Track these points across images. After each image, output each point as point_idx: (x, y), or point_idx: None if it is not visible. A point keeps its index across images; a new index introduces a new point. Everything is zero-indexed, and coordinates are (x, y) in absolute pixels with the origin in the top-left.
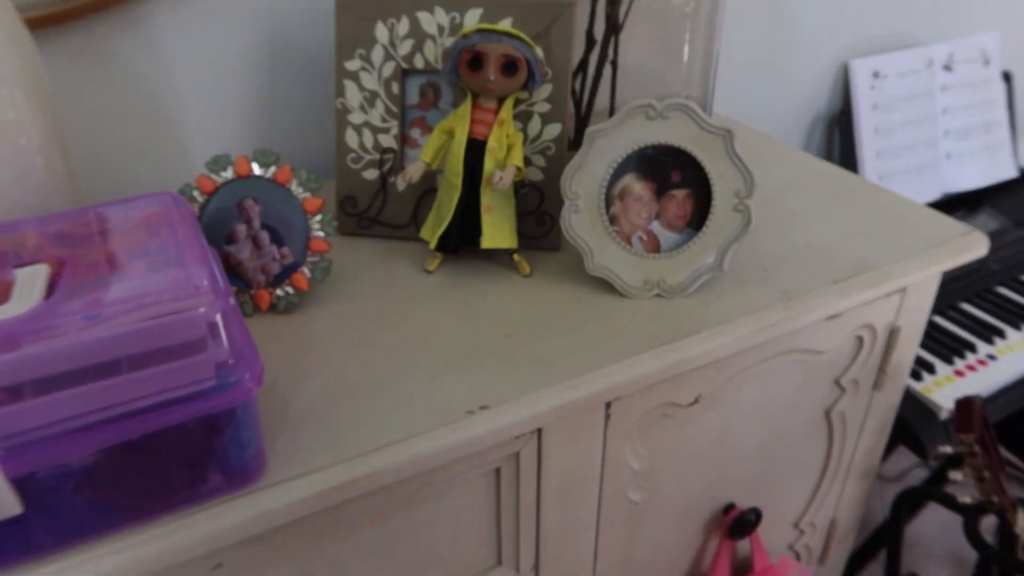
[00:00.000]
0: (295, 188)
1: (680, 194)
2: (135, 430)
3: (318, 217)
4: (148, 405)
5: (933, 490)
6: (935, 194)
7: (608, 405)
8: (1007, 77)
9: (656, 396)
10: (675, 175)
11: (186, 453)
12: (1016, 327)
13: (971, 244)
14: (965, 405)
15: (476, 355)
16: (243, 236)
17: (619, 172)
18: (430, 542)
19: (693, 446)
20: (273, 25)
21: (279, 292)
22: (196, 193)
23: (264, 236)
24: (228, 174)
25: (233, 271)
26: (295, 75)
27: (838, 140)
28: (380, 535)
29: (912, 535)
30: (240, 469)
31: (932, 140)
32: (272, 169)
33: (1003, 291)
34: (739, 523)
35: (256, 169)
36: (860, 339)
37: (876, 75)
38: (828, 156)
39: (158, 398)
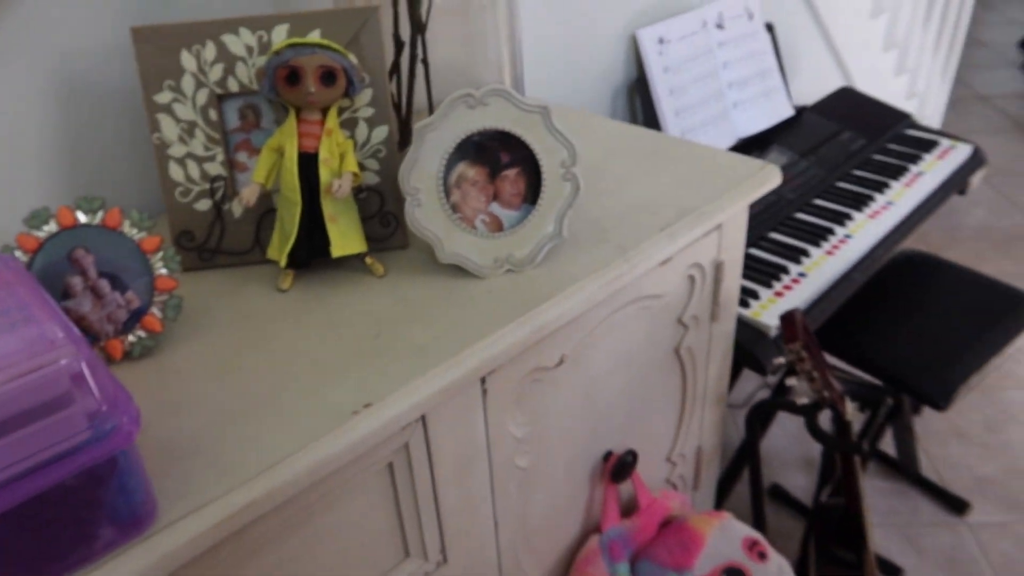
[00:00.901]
0: (128, 229)
1: (512, 173)
2: (12, 499)
3: (159, 255)
4: (22, 471)
5: (776, 400)
6: (730, 141)
7: (483, 380)
8: (770, 28)
9: (525, 363)
10: (504, 156)
11: (73, 512)
12: (817, 245)
13: (767, 175)
14: (788, 318)
15: (350, 359)
16: (80, 289)
17: (452, 162)
18: (337, 549)
19: (566, 405)
20: (70, 71)
21: (131, 338)
22: (19, 253)
23: (104, 284)
24: (51, 227)
25: (77, 326)
26: (103, 117)
27: (639, 105)
28: (285, 554)
29: (767, 449)
30: (131, 517)
31: (719, 93)
32: (100, 214)
33: (801, 216)
34: (619, 467)
35: (82, 217)
36: (692, 278)
37: (661, 41)
38: (633, 120)
39: (31, 461)
